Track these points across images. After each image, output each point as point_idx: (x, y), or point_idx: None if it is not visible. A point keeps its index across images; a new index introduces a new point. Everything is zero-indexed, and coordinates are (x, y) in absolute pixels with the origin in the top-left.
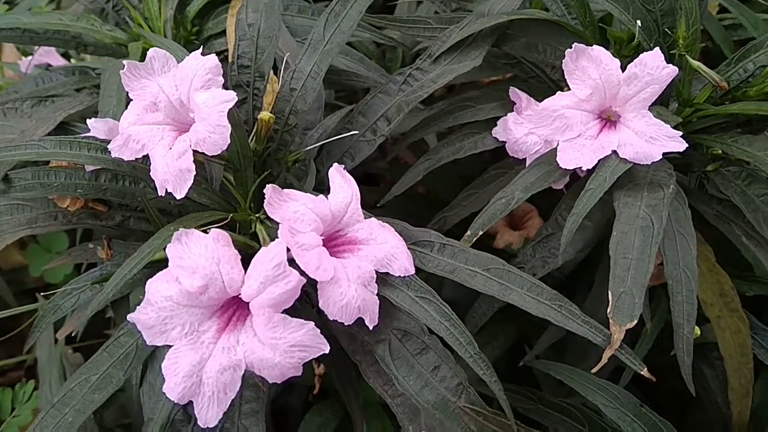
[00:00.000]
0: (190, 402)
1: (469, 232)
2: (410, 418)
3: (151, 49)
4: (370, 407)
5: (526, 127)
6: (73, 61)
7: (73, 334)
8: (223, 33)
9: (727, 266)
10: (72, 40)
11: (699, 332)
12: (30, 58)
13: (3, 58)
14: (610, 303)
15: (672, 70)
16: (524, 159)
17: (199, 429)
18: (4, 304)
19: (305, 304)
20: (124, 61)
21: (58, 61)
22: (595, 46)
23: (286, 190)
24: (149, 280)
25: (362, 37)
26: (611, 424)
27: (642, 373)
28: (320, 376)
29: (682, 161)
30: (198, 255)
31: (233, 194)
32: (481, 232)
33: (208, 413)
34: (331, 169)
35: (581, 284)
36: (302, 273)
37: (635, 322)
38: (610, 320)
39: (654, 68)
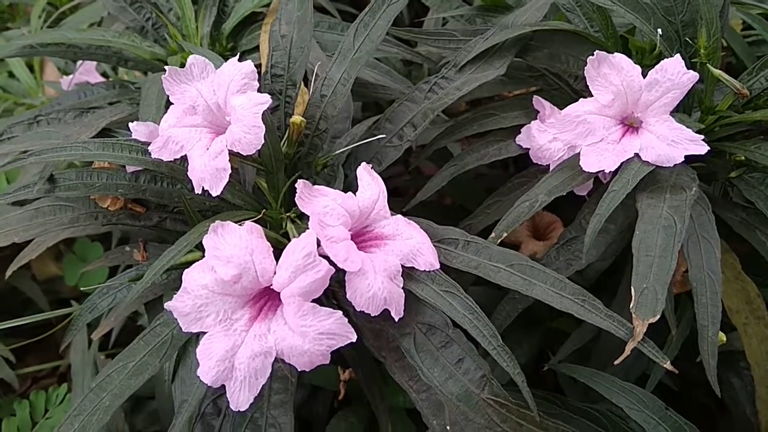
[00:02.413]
0: (221, 396)
1: (493, 234)
2: (434, 413)
3: (191, 56)
4: (396, 412)
5: (550, 134)
6: (111, 79)
7: (110, 335)
8: (256, 48)
9: (755, 277)
10: (114, 55)
11: (724, 338)
12: (71, 76)
13: (44, 78)
14: (633, 298)
15: (692, 76)
16: (548, 166)
17: (228, 422)
18: (40, 312)
19: (332, 303)
20: (166, 67)
21: (97, 79)
22: (616, 54)
23: (316, 186)
24: (186, 270)
25: (389, 52)
26: (637, 430)
27: (665, 366)
28: (345, 381)
29: (705, 170)
30: (233, 245)
31: (265, 196)
32: (505, 234)
33: (240, 397)
34: (359, 167)
35: (605, 293)
36: (331, 265)
37: (657, 317)
38: (633, 315)
39: (674, 74)
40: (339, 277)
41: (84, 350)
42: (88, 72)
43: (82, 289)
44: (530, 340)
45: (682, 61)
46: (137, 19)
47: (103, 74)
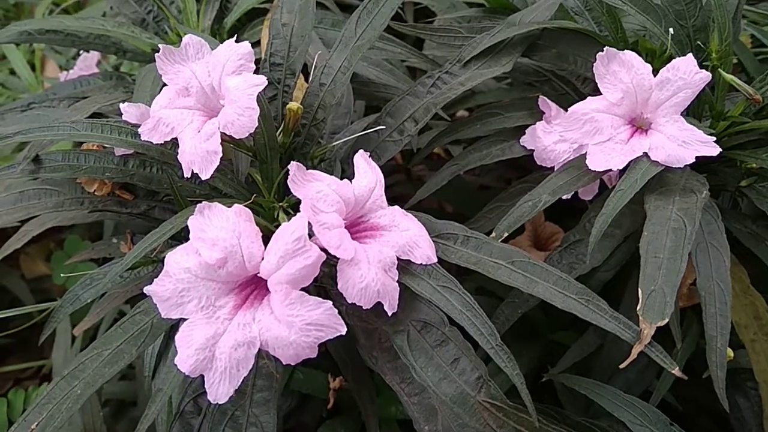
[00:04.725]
0: (201, 394)
1: (494, 234)
2: (427, 418)
3: (186, 36)
4: (387, 424)
5: (556, 135)
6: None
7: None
8: (257, 44)
9: (764, 294)
10: (112, 46)
11: (732, 354)
12: (70, 71)
13: (45, 74)
14: (640, 301)
15: (705, 75)
16: (552, 168)
17: (208, 422)
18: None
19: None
20: (160, 45)
21: None
22: (626, 51)
23: (310, 171)
24: (168, 253)
25: (394, 52)
26: None
27: (674, 372)
28: (335, 390)
29: (715, 181)
30: (219, 228)
31: (259, 186)
32: (506, 234)
33: (219, 389)
34: (356, 155)
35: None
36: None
37: (666, 320)
38: (640, 318)
39: (686, 73)
40: (332, 273)
41: (67, 349)
42: (89, 68)
43: (62, 275)
44: (530, 353)
45: (695, 60)
46: (138, 12)
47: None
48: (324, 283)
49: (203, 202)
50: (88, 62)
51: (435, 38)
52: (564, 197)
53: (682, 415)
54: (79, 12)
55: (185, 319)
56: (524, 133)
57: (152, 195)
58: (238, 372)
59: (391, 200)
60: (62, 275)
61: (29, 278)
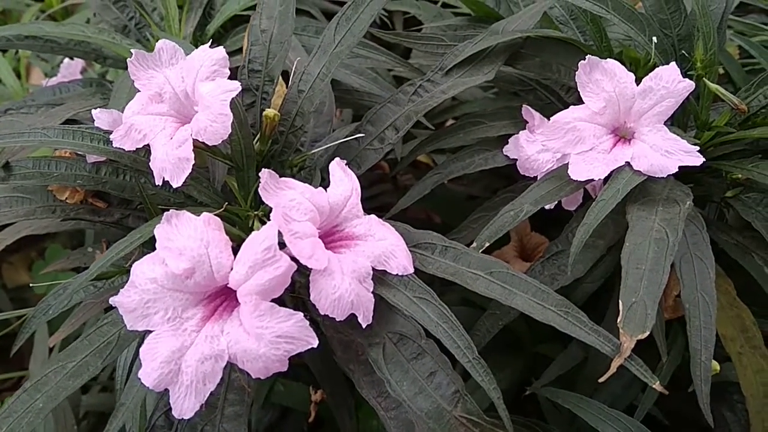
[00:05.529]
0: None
1: (475, 244)
2: None
3: (160, 41)
4: None
5: (539, 144)
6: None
7: None
8: (240, 51)
9: (750, 306)
10: (93, 52)
11: (718, 367)
12: (53, 78)
13: (30, 81)
14: (621, 313)
15: (688, 84)
16: (535, 178)
17: None
18: (5, 322)
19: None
20: (132, 50)
21: None
22: (609, 59)
23: (283, 178)
24: (135, 263)
25: (378, 60)
26: None
27: (655, 386)
28: (316, 403)
29: (700, 191)
30: (187, 236)
31: (235, 195)
32: (487, 244)
33: (185, 403)
34: (332, 162)
35: (592, 317)
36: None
37: (647, 333)
38: (620, 330)
39: (670, 81)
40: (308, 283)
41: (44, 359)
42: (72, 75)
43: (40, 284)
44: (513, 365)
45: (678, 69)
46: (120, 18)
47: None
48: (300, 293)
49: (171, 210)
50: (71, 69)
51: (419, 46)
52: (547, 207)
53: (668, 429)
54: (67, 19)
55: (152, 331)
56: (508, 143)
57: (126, 203)
58: (205, 386)
59: (377, 209)
60: (41, 284)
61: (11, 287)
